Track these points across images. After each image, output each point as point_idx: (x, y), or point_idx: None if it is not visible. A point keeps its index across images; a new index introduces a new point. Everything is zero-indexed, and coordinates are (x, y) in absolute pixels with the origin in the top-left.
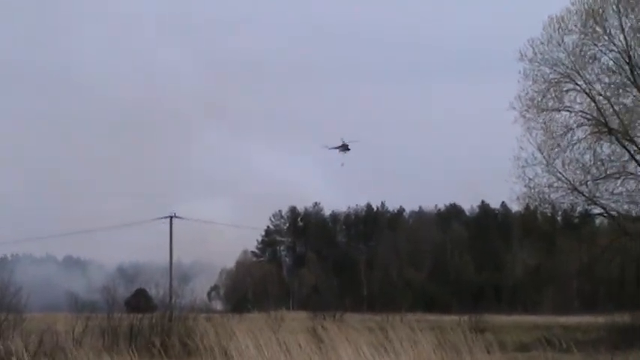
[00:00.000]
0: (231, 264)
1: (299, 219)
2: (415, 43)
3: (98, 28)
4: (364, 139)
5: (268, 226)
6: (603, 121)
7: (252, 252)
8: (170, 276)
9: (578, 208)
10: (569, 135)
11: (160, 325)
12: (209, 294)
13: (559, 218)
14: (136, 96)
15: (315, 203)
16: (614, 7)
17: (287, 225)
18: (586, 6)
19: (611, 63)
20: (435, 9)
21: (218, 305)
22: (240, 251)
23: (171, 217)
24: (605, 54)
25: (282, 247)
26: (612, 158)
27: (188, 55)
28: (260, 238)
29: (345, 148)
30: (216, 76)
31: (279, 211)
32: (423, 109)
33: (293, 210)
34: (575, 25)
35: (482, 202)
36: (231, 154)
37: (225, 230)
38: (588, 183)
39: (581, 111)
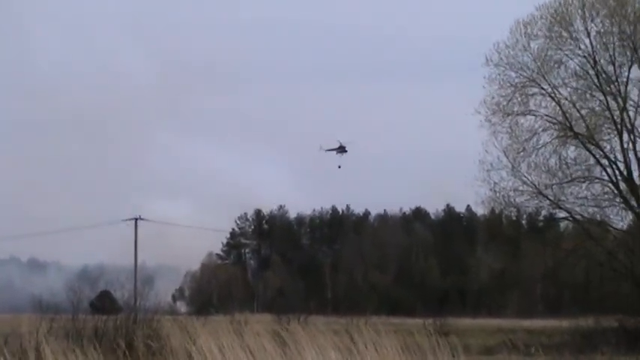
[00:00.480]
0: (195, 266)
1: (264, 222)
2: (379, 43)
3: (52, 27)
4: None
5: (233, 229)
6: (569, 125)
7: (217, 254)
8: (135, 278)
9: (543, 212)
10: (534, 139)
11: (124, 326)
12: (173, 296)
13: (524, 222)
14: (96, 97)
15: (280, 206)
16: (580, 12)
17: (252, 228)
18: (552, 11)
19: (577, 68)
20: (399, 10)
21: (183, 308)
22: (205, 254)
23: (136, 220)
24: (570, 59)
25: (247, 250)
26: (577, 162)
27: (148, 55)
28: (225, 241)
29: (342, 149)
30: (176, 76)
31: (245, 213)
32: (388, 111)
33: (258, 213)
34: (541, 30)
35: (448, 205)
36: (195, 155)
37: (190, 233)
38: (553, 187)
39: (546, 115)
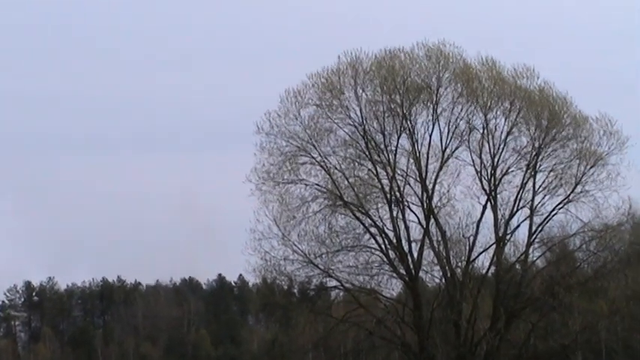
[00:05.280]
0: None
1: (34, 294)
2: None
3: None
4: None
5: (3, 301)
6: (338, 193)
7: None
8: None
9: (314, 281)
10: (304, 207)
11: None
12: None
13: (295, 291)
14: None
15: (50, 278)
16: (352, 80)
17: (22, 300)
18: (323, 79)
19: (347, 136)
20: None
21: None
22: None
23: None
24: (341, 127)
25: (16, 323)
26: (347, 231)
27: None
28: None
29: (397, 203)
30: None
31: (14, 285)
32: (166, 180)
33: (28, 284)
34: (312, 98)
35: (219, 275)
36: None
37: None
38: (323, 255)
39: (316, 184)
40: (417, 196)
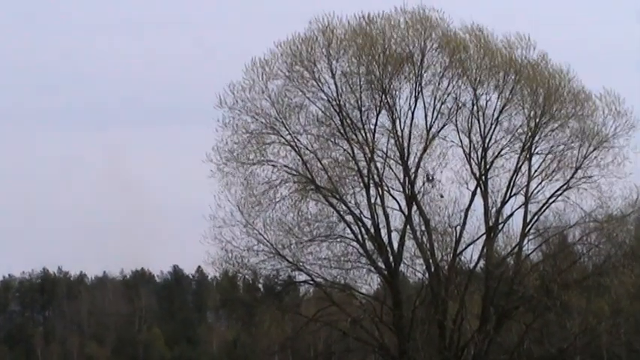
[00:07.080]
0: None
1: None
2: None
3: None
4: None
5: None
6: (310, 177)
7: None
8: None
9: (282, 275)
10: (271, 192)
11: None
12: None
13: (260, 286)
14: None
15: None
16: (325, 50)
17: None
18: (293, 48)
19: (319, 113)
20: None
21: None
22: None
23: None
24: (313, 102)
25: None
26: (319, 219)
27: None
28: None
29: (429, 179)
30: None
31: None
32: (95, 159)
33: None
34: (281, 70)
35: (175, 267)
36: None
37: None
38: (292, 246)
39: (285, 166)
40: (399, 180)
